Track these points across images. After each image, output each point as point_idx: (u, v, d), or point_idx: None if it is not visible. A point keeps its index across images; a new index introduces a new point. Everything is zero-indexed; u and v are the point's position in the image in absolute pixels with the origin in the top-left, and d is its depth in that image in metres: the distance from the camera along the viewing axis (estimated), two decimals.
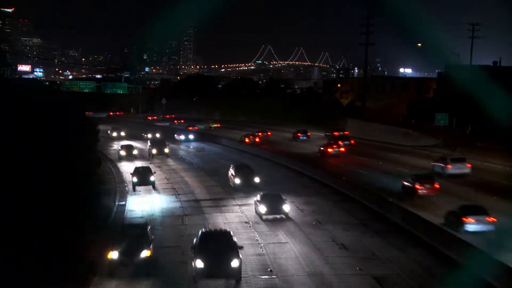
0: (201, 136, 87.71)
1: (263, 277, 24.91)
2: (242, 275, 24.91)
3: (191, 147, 78.32)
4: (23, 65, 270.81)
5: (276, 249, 29.00)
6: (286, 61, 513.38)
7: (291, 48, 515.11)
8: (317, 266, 26.24)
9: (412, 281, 24.33)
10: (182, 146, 78.88)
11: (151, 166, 52.85)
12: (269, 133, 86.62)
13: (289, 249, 29.10)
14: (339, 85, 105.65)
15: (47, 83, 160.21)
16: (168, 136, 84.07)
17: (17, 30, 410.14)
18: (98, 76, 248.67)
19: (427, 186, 39.69)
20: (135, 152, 66.40)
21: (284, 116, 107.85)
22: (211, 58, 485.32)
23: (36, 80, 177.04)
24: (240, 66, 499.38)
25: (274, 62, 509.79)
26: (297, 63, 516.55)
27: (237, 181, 44.20)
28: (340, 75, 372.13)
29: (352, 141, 70.56)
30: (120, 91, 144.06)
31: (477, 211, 30.82)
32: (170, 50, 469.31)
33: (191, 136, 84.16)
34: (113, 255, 25.48)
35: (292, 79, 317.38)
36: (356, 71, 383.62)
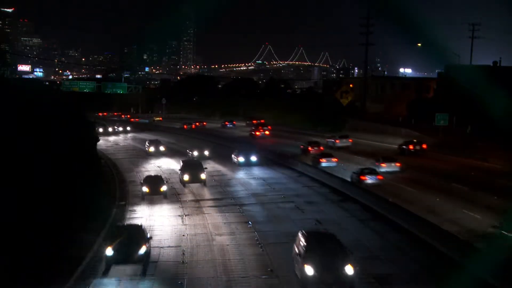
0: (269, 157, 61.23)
1: (263, 277, 24.90)
2: (243, 275, 24.96)
3: (255, 176, 52.16)
4: (23, 65, 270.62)
5: (276, 249, 29.00)
6: (286, 61, 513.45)
7: (291, 48, 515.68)
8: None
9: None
10: (241, 173, 53.32)
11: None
12: (204, 123, 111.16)
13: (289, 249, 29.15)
14: (344, 87, 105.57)
15: (47, 83, 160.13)
16: (219, 154, 64.16)
17: (17, 30, 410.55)
18: (98, 76, 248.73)
19: (315, 148, 63.21)
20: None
21: (284, 116, 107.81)
22: (211, 58, 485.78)
23: (36, 80, 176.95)
24: (240, 66, 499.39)
25: (274, 62, 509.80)
26: (297, 63, 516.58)
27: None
28: (340, 75, 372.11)
29: (270, 127, 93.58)
30: (120, 91, 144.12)
31: (371, 172, 45.31)
32: (170, 50, 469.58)
33: (253, 158, 57.19)
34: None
35: (292, 79, 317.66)
36: (356, 71, 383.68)
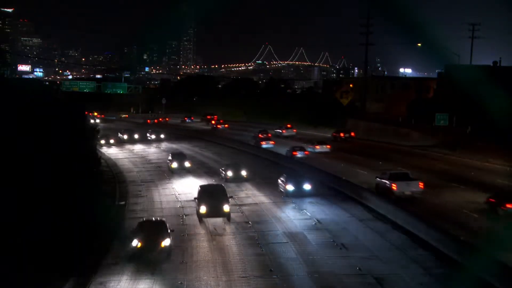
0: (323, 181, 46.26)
1: (263, 277, 24.90)
2: (242, 275, 24.96)
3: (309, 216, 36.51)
4: (23, 65, 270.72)
5: (276, 249, 28.99)
6: (286, 61, 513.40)
7: (291, 48, 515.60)
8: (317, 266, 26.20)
9: None
10: (289, 210, 37.97)
11: None
12: (167, 119, 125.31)
13: (289, 249, 29.09)
14: (344, 87, 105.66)
15: (47, 83, 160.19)
16: (267, 176, 50.21)
17: (17, 30, 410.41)
18: (98, 76, 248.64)
19: (264, 135, 77.05)
20: None
21: (284, 116, 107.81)
22: (211, 58, 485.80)
23: (36, 80, 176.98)
24: (240, 66, 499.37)
25: (274, 62, 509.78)
26: (297, 63, 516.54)
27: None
28: (340, 75, 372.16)
29: (222, 120, 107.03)
30: (120, 91, 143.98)
31: (300, 149, 61.43)
32: (170, 50, 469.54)
33: (307, 187, 41.51)
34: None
35: (292, 79, 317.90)
36: (356, 71, 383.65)
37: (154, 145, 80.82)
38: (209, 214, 34.14)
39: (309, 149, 63.37)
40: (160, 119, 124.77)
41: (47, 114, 35.47)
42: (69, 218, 28.99)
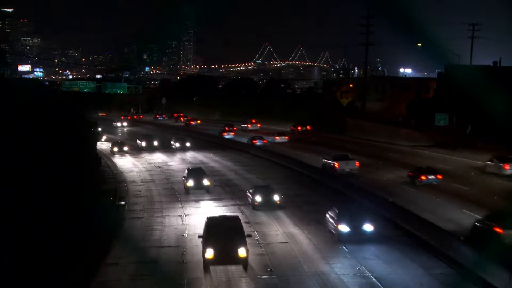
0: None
1: (263, 277, 24.89)
2: (242, 275, 24.95)
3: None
4: (23, 65, 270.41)
5: (276, 249, 28.98)
6: (286, 61, 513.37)
7: (291, 48, 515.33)
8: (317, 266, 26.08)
9: None
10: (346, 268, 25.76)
11: None
12: (141, 116, 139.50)
13: (289, 249, 29.07)
14: (344, 87, 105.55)
15: (47, 83, 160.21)
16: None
17: (17, 30, 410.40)
18: (98, 76, 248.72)
19: (229, 128, 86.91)
20: None
21: (284, 116, 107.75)
22: (211, 58, 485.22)
23: (36, 80, 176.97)
24: (240, 66, 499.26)
25: (274, 62, 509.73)
26: (297, 63, 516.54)
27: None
28: (340, 75, 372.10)
29: (189, 117, 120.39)
30: (120, 91, 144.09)
31: (259, 138, 72.06)
32: (170, 50, 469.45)
33: (368, 228, 29.20)
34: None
35: (292, 79, 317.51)
36: (356, 71, 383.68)
37: (178, 155, 68.31)
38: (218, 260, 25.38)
39: (269, 139, 74.45)
40: (135, 116, 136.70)
41: (47, 113, 35.48)
42: (69, 218, 29.00)
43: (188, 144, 73.22)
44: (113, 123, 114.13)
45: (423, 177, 43.70)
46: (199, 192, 43.76)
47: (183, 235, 32.19)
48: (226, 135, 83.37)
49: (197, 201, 41.60)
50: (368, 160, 56.09)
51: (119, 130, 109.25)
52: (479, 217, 29.17)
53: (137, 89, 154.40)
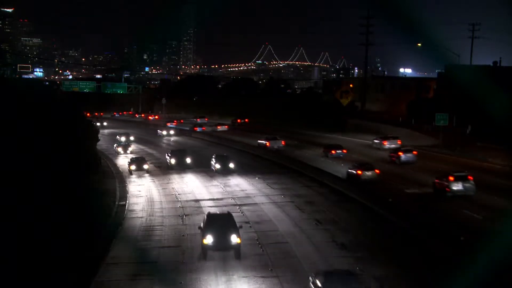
0: None
1: (263, 277, 24.89)
2: (242, 275, 24.95)
3: None
4: (23, 65, 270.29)
5: (276, 249, 28.99)
6: (286, 61, 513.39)
7: (291, 48, 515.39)
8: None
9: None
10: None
11: None
12: (114, 113, 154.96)
13: (289, 249, 29.09)
14: (344, 87, 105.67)
15: (47, 83, 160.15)
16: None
17: (17, 30, 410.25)
18: (98, 76, 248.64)
19: (200, 126, 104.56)
20: None
21: (284, 116, 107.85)
22: (211, 58, 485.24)
23: (36, 80, 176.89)
24: (240, 66, 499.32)
25: (274, 62, 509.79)
26: (297, 63, 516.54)
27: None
28: (340, 75, 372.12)
29: (157, 116, 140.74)
30: (120, 91, 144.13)
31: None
32: (170, 50, 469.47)
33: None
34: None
35: (292, 79, 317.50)
36: (356, 71, 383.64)
37: (219, 181, 50.07)
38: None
39: (210, 129, 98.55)
40: (101, 113, 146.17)
41: (47, 113, 35.51)
42: (69, 218, 29.01)
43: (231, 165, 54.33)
44: (158, 131, 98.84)
45: (333, 152, 61.35)
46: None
47: (183, 235, 32.20)
48: (170, 125, 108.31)
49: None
50: (299, 143, 75.89)
51: (165, 140, 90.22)
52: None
53: (137, 89, 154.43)
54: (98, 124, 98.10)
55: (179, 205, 41.07)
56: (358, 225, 33.66)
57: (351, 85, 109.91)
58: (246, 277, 24.87)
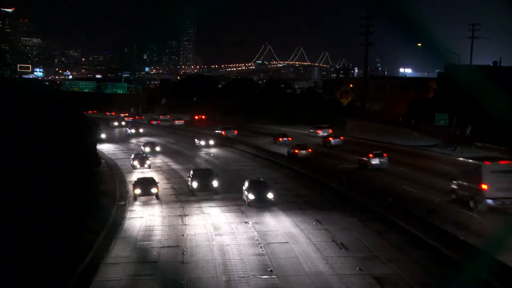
0: None
1: (263, 277, 24.88)
2: (242, 275, 24.96)
3: None
4: (23, 65, 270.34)
5: (276, 249, 28.97)
6: (286, 61, 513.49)
7: (291, 48, 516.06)
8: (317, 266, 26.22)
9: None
10: None
11: None
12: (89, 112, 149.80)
13: (289, 249, 29.08)
14: (344, 87, 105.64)
15: (47, 83, 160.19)
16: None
17: (17, 30, 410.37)
18: (98, 76, 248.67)
19: (178, 121, 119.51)
20: None
21: (284, 116, 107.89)
22: (211, 58, 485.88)
23: (36, 80, 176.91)
24: (240, 66, 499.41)
25: (274, 62, 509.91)
26: (297, 63, 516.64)
27: None
28: (340, 75, 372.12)
29: (137, 117, 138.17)
30: (120, 91, 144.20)
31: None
32: (170, 50, 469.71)
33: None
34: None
35: (292, 79, 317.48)
36: (356, 71, 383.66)
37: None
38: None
39: (167, 124, 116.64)
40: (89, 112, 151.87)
41: (47, 113, 35.49)
42: (69, 218, 29.01)
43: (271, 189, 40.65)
44: (196, 140, 79.77)
45: (280, 139, 76.62)
46: None
47: (183, 235, 32.20)
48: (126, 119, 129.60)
49: None
50: (249, 133, 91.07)
51: (202, 152, 72.35)
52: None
53: (137, 89, 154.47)
54: (133, 131, 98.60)
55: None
56: (296, 185, 47.97)
57: (351, 85, 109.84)
58: (246, 277, 24.87)
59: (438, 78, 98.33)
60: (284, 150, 66.47)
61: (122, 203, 41.55)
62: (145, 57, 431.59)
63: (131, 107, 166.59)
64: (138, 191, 41.76)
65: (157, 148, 71.53)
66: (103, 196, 42.80)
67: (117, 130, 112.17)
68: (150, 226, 34.75)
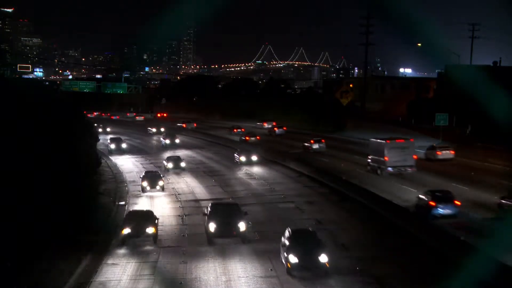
0: None
1: (263, 277, 24.87)
2: (243, 275, 24.95)
3: None
4: (23, 65, 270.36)
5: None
6: (286, 61, 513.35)
7: (291, 48, 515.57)
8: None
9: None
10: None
11: None
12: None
13: None
14: (344, 87, 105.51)
15: (47, 83, 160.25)
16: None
17: (17, 30, 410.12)
18: (98, 76, 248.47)
19: (138, 117, 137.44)
20: None
21: (284, 116, 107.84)
22: (211, 58, 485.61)
23: (36, 80, 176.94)
24: (240, 66, 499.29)
25: (274, 62, 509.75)
26: (297, 63, 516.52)
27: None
28: (340, 75, 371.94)
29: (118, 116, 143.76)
30: (120, 91, 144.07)
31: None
32: (170, 50, 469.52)
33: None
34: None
35: (292, 79, 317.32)
36: (356, 71, 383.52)
37: None
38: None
39: (129, 120, 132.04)
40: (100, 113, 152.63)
41: (47, 113, 35.48)
42: (69, 218, 29.00)
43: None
44: (236, 155, 60.95)
45: (235, 130, 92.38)
46: None
47: (183, 235, 32.20)
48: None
49: None
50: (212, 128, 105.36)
51: (241, 172, 55.60)
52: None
53: (137, 89, 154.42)
54: (168, 141, 77.23)
55: None
56: None
57: (351, 85, 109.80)
58: (246, 277, 24.86)
59: (438, 78, 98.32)
60: (237, 138, 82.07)
61: (122, 203, 41.50)
62: (145, 57, 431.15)
63: (131, 107, 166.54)
64: (127, 230, 29.92)
65: (183, 164, 56.32)
66: (103, 196, 42.75)
67: (155, 139, 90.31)
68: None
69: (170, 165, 56.01)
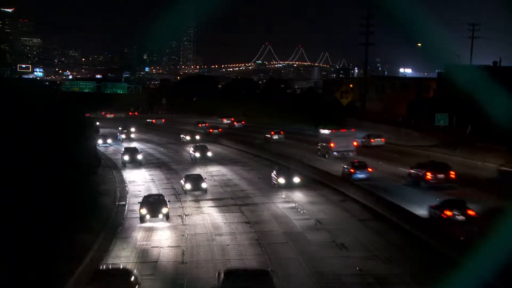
0: None
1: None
2: None
3: None
4: (23, 65, 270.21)
5: (276, 249, 28.99)
6: (286, 61, 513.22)
7: (291, 48, 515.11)
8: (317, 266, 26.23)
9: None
10: None
11: None
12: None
13: (289, 249, 29.10)
14: (344, 87, 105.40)
15: (47, 83, 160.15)
16: None
17: (17, 30, 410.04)
18: (98, 76, 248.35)
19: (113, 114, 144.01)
20: None
21: (284, 116, 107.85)
22: (211, 58, 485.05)
23: (36, 80, 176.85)
24: (240, 66, 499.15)
25: (274, 62, 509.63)
26: (297, 63, 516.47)
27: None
28: (340, 75, 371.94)
29: (113, 114, 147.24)
30: (120, 91, 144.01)
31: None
32: (170, 50, 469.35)
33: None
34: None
35: (292, 79, 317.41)
36: (356, 71, 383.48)
37: None
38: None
39: (110, 116, 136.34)
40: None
41: (47, 113, 35.48)
42: (69, 218, 29.00)
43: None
44: (273, 179, 47.55)
45: (200, 125, 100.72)
46: None
47: (183, 235, 32.20)
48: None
49: None
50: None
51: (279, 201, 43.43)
52: None
53: (137, 89, 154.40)
54: (198, 154, 61.39)
55: None
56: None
57: (351, 85, 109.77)
58: None
59: (438, 78, 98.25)
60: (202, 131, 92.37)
61: (122, 203, 41.47)
62: (145, 57, 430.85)
63: (131, 107, 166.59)
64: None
65: (204, 185, 44.57)
66: (103, 196, 42.75)
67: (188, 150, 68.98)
68: (150, 226, 34.30)
69: (188, 185, 44.02)
